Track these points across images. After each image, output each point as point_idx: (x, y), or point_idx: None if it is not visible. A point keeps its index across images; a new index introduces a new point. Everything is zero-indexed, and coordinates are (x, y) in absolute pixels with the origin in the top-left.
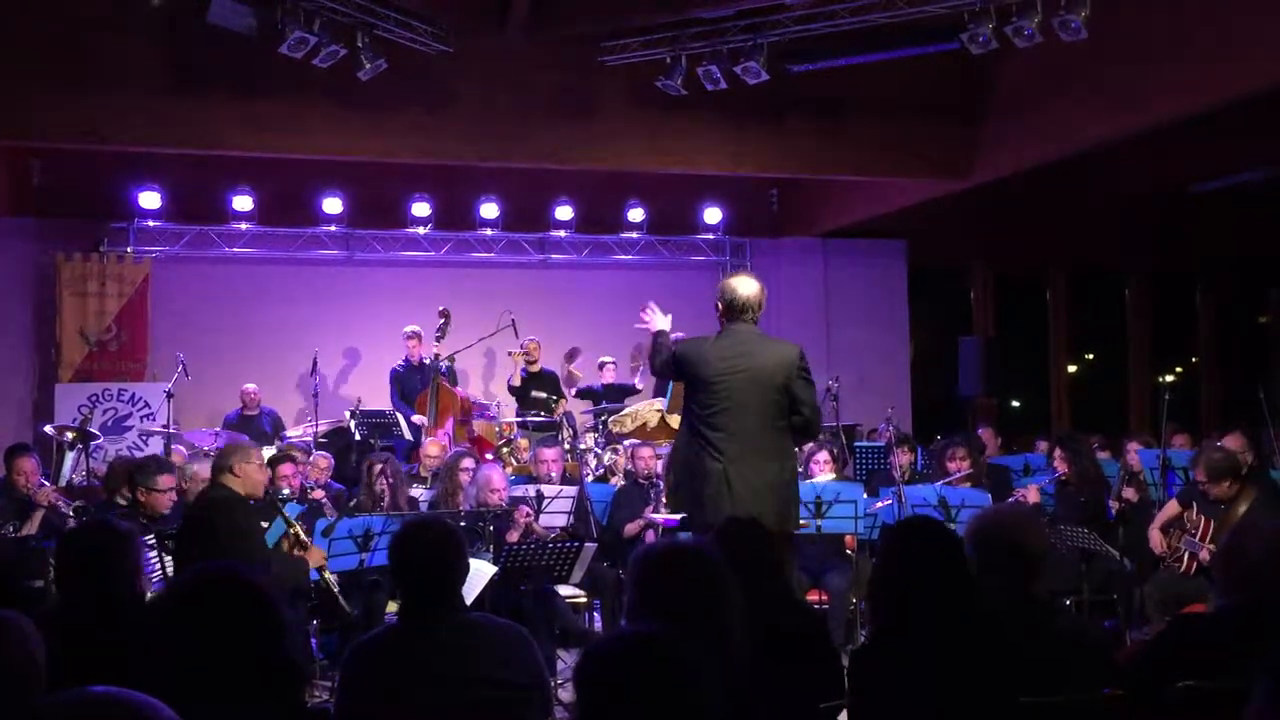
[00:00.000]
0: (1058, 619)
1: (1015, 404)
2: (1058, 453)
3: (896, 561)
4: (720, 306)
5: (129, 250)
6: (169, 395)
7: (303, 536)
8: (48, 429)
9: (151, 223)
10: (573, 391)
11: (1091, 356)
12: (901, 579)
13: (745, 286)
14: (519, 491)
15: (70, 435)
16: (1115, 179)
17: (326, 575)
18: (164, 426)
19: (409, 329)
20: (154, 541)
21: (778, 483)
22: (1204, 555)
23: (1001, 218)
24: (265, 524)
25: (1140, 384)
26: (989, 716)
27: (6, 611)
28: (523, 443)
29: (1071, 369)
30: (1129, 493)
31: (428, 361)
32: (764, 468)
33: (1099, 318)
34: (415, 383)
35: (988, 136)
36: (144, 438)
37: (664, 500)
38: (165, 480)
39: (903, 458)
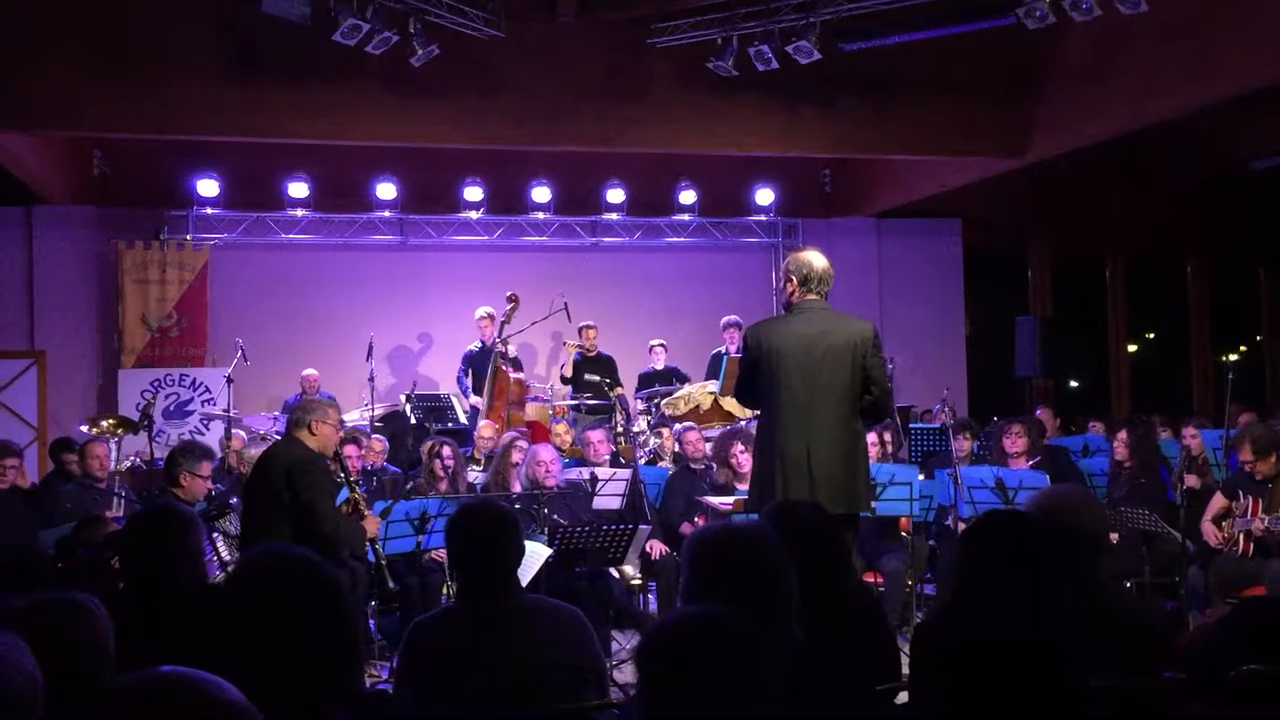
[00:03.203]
0: (1118, 601)
1: (1074, 384)
2: (1122, 435)
3: (978, 554)
4: (794, 282)
5: (188, 238)
6: (229, 380)
7: (362, 505)
8: (82, 427)
9: (210, 210)
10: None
11: (1152, 336)
12: (981, 570)
13: (819, 259)
14: (572, 475)
15: (107, 423)
16: (1175, 156)
17: (378, 548)
18: (224, 411)
19: (482, 311)
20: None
21: (854, 464)
22: (1257, 526)
23: (1059, 196)
24: None
25: (1203, 363)
26: (1051, 698)
27: (77, 593)
28: (560, 427)
29: (1132, 349)
30: (1191, 480)
31: (489, 344)
32: (840, 447)
33: (1160, 296)
34: (485, 365)
35: (1044, 114)
36: (205, 422)
37: (717, 483)
38: (207, 467)
39: (963, 444)
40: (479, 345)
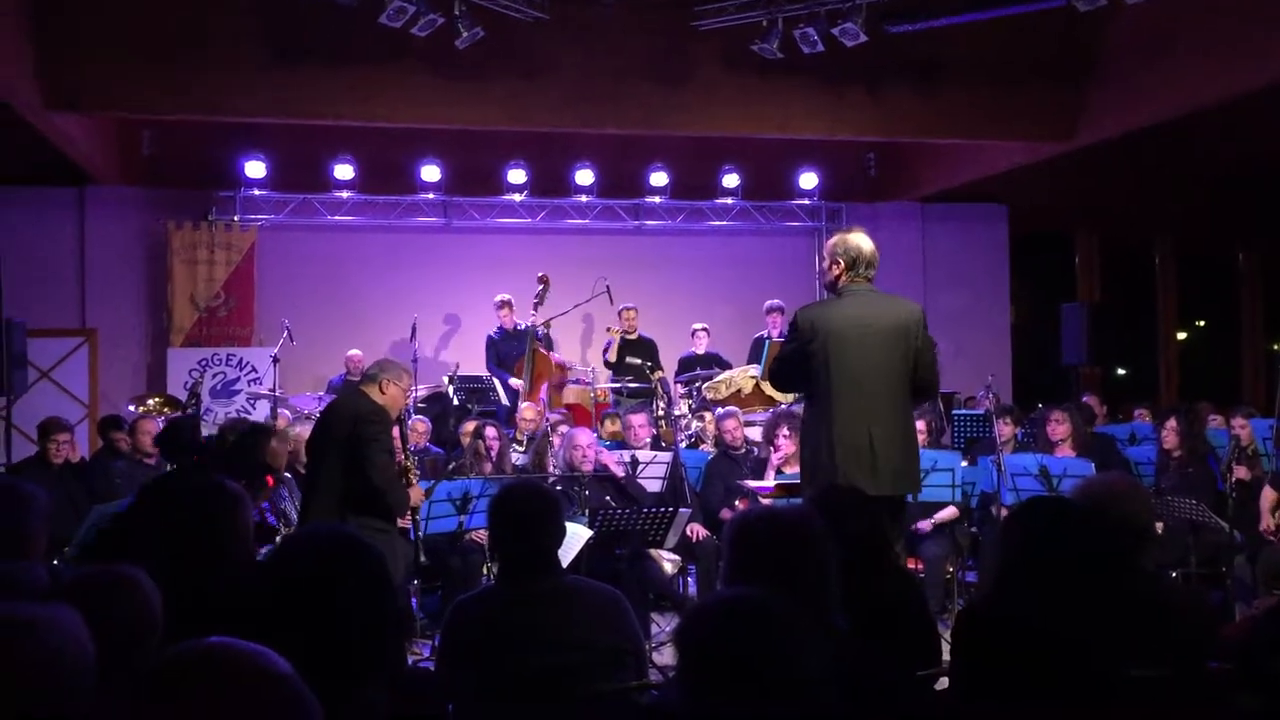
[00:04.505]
0: (1164, 591)
1: (1121, 372)
2: (1170, 424)
3: (1020, 541)
4: (840, 264)
5: (236, 219)
6: (275, 360)
7: (411, 473)
8: (130, 406)
9: (257, 191)
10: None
11: (1202, 323)
12: (1024, 558)
13: (866, 241)
14: (613, 457)
15: (153, 401)
16: (1227, 141)
17: (416, 518)
18: (270, 391)
19: (500, 298)
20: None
21: (911, 447)
22: None
23: (1107, 181)
24: None
25: (1254, 352)
26: (1096, 687)
27: (126, 567)
28: (611, 424)
29: (1181, 336)
30: (1241, 471)
31: (524, 327)
32: (899, 431)
33: (1210, 284)
34: (511, 349)
35: (1093, 97)
36: (251, 401)
37: (771, 466)
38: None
39: (1005, 429)
40: (499, 331)
